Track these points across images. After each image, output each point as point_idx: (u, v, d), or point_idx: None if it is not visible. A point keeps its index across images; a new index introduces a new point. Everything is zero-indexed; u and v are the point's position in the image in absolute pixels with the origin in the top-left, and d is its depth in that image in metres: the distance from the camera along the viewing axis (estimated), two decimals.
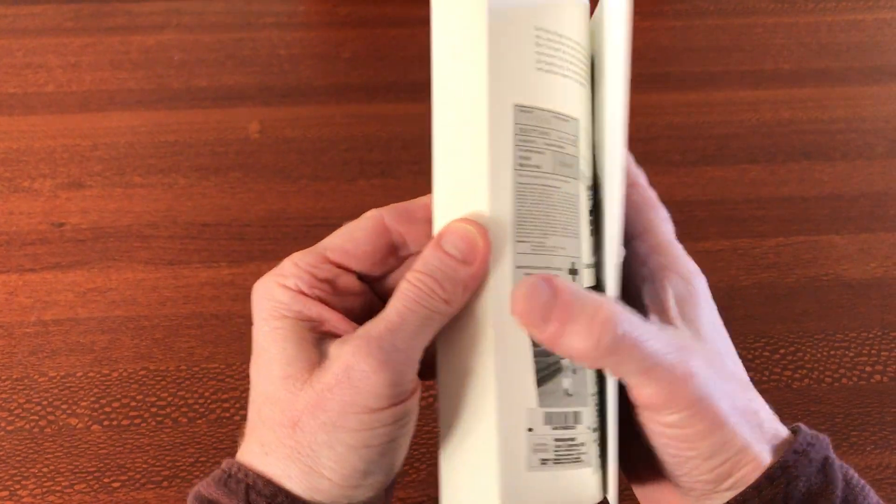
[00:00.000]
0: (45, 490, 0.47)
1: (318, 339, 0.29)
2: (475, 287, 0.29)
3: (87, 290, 0.54)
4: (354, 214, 0.59)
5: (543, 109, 0.31)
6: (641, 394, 0.28)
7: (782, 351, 0.52)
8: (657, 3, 0.69)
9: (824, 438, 0.31)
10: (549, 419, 0.30)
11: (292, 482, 0.29)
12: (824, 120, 0.62)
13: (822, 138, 0.61)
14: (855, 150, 0.61)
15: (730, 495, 0.29)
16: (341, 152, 0.60)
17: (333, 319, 0.30)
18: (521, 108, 0.30)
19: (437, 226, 0.30)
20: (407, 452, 0.30)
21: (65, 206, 0.57)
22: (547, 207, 0.31)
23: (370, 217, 0.31)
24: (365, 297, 0.31)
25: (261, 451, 0.29)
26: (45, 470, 0.47)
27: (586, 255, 0.32)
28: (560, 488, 0.30)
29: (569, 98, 0.32)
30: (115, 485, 0.47)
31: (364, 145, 0.60)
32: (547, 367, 0.30)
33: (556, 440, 0.31)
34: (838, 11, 0.68)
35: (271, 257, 0.55)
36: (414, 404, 0.29)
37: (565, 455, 0.31)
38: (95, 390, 0.50)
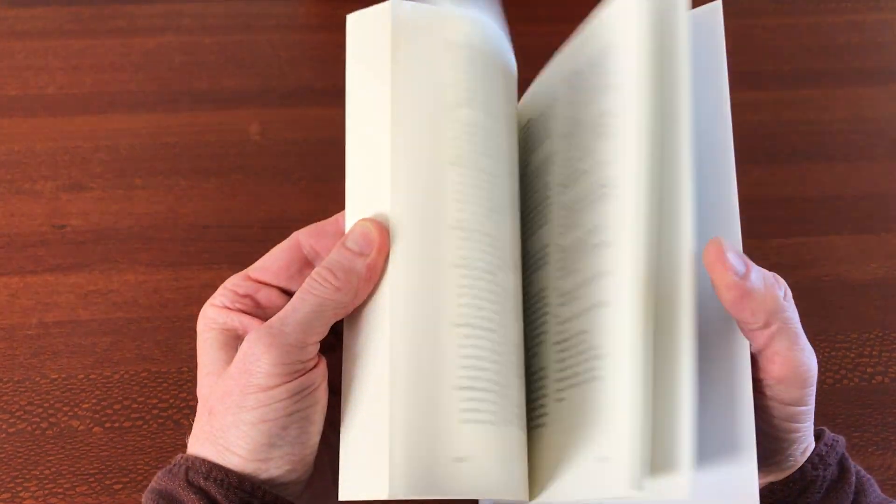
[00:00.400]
0: (46, 492, 0.47)
1: (240, 344, 0.33)
2: (374, 277, 0.32)
3: (89, 292, 0.54)
4: None
5: None
6: (787, 360, 0.32)
7: None
8: None
9: (842, 438, 0.36)
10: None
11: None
12: (825, 121, 0.62)
13: (823, 139, 0.61)
14: (856, 151, 0.61)
15: (773, 477, 0.35)
16: (341, 154, 0.60)
17: (254, 326, 0.34)
18: None
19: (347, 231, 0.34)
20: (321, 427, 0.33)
21: (66, 207, 0.57)
22: None
23: (290, 237, 0.37)
24: None
25: (192, 442, 0.34)
26: (46, 472, 0.47)
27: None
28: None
29: None
30: (117, 486, 0.47)
31: None
32: None
33: None
34: (839, 12, 0.68)
35: None
36: (311, 380, 0.32)
37: None
38: (97, 392, 0.50)
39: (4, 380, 0.50)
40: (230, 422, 0.32)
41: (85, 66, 0.63)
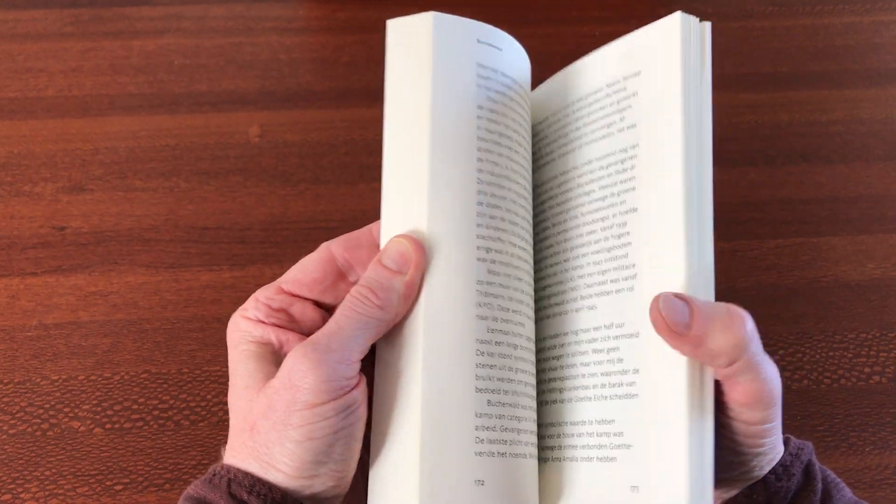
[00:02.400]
0: (47, 493, 0.47)
1: (278, 358, 0.33)
2: (412, 294, 0.32)
3: (89, 294, 0.54)
4: (354, 218, 0.60)
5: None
6: (749, 389, 0.32)
7: (781, 352, 0.52)
8: (653, 7, 0.69)
9: (809, 444, 0.36)
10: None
11: None
12: (822, 122, 0.62)
13: (820, 141, 0.62)
14: (853, 153, 0.61)
15: (738, 488, 0.35)
16: (341, 156, 0.60)
17: (292, 340, 0.34)
18: None
19: (383, 246, 0.34)
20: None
21: (66, 209, 0.57)
22: None
23: (321, 248, 0.35)
24: (326, 321, 0.34)
25: (232, 455, 0.33)
26: (47, 473, 0.47)
27: None
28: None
29: None
30: (118, 488, 0.47)
31: (364, 149, 0.60)
32: None
33: None
34: (836, 14, 0.68)
35: (272, 261, 0.55)
36: (355, 398, 0.32)
37: None
38: (97, 393, 0.50)
39: (5, 381, 0.51)
40: (275, 438, 0.31)
41: (85, 69, 0.63)
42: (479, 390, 0.32)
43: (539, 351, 0.36)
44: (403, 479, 0.31)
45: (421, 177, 0.33)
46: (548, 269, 0.37)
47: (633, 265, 0.33)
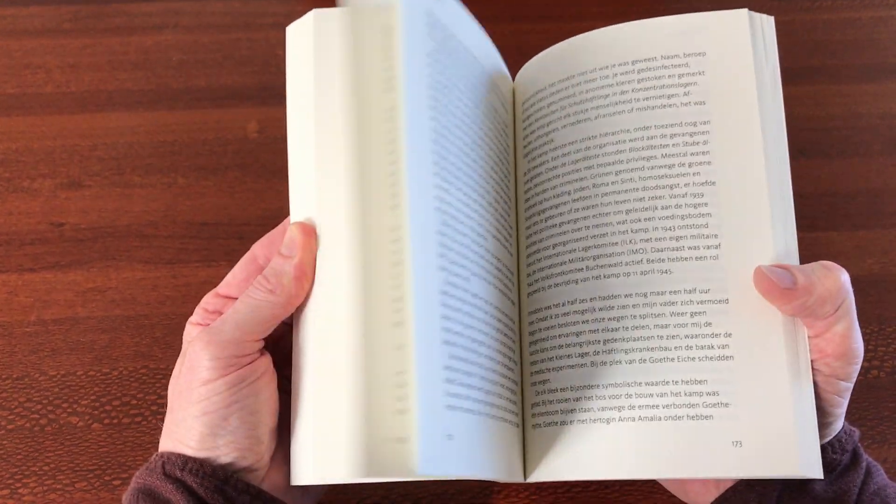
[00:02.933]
0: (46, 488, 0.47)
1: None
2: (304, 274, 0.35)
3: (87, 290, 0.54)
4: None
5: None
6: (845, 339, 0.35)
7: None
8: (653, 3, 0.69)
9: (857, 430, 0.39)
10: None
11: None
12: (821, 117, 0.62)
13: (818, 136, 0.62)
14: (851, 148, 0.61)
15: None
16: None
17: None
18: None
19: None
20: (267, 418, 0.35)
21: (64, 205, 0.57)
22: None
23: (249, 250, 0.40)
24: None
25: (161, 442, 0.37)
26: (46, 468, 0.47)
27: None
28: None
29: None
30: (116, 482, 0.47)
31: None
32: None
33: None
34: (834, 9, 0.68)
35: None
36: (248, 373, 0.35)
37: None
38: (96, 389, 0.50)
39: (3, 377, 0.51)
40: (181, 416, 0.35)
41: (83, 65, 0.63)
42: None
43: (584, 312, 0.37)
44: (324, 450, 0.33)
45: (311, 167, 0.36)
46: (588, 230, 0.37)
47: (716, 235, 0.35)
